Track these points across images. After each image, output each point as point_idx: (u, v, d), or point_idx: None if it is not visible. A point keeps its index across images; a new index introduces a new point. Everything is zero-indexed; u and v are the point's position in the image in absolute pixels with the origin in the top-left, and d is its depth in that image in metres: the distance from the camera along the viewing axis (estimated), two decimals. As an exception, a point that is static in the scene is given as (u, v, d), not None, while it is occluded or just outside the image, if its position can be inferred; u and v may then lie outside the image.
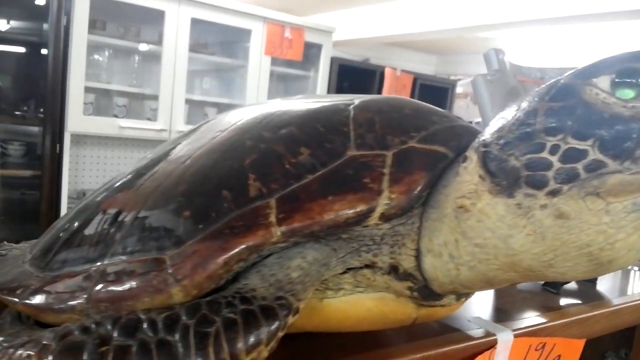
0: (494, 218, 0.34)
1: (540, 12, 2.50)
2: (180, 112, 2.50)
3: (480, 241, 0.35)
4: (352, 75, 3.63)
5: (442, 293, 0.41)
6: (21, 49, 2.41)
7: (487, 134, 0.36)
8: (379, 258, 0.39)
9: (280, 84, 3.14)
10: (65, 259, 0.41)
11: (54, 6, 2.07)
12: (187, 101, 2.56)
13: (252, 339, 0.31)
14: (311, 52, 2.97)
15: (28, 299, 0.39)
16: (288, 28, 2.76)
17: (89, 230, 0.42)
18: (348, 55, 3.77)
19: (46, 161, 2.18)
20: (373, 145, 0.38)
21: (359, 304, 0.40)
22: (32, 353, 0.31)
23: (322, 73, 3.00)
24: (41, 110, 2.20)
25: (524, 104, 0.34)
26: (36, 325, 0.40)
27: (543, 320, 0.57)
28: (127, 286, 0.35)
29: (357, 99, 0.44)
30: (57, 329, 0.32)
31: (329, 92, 3.14)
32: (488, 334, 0.51)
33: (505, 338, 0.51)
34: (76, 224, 0.44)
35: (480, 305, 0.60)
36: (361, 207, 0.35)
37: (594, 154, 0.30)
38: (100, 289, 0.36)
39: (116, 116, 2.43)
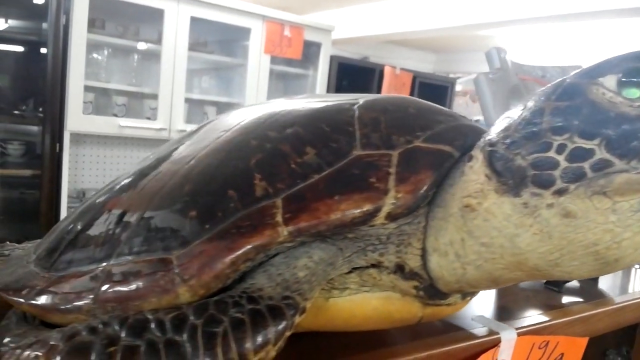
0: (501, 217, 0.34)
1: (539, 10, 2.51)
2: (179, 111, 2.49)
3: (487, 240, 0.35)
4: (352, 74, 3.63)
5: (448, 292, 0.41)
6: (20, 48, 2.40)
7: (493, 133, 0.36)
8: (385, 257, 0.39)
9: (280, 82, 3.14)
10: (71, 259, 0.41)
11: (53, 5, 2.07)
12: (187, 100, 2.56)
13: (260, 339, 0.31)
14: (310, 50, 2.97)
15: (34, 300, 0.39)
16: (287, 26, 2.76)
17: (94, 231, 0.42)
18: (346, 53, 3.77)
19: (46, 160, 2.18)
20: (379, 145, 0.38)
21: (365, 303, 0.40)
22: (39, 354, 0.31)
23: (322, 71, 3.00)
24: (40, 109, 2.20)
25: (530, 103, 0.34)
26: (42, 325, 0.39)
27: (546, 318, 0.58)
28: (134, 286, 0.35)
29: (361, 98, 0.44)
30: (65, 330, 0.32)
31: (328, 90, 3.14)
32: (491, 332, 0.51)
33: (508, 336, 0.51)
34: (81, 224, 0.44)
35: (482, 304, 0.60)
36: (367, 207, 0.35)
37: (601, 153, 0.30)
38: (107, 289, 0.36)
39: (116, 115, 2.43)
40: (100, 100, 2.44)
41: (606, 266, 0.32)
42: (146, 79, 2.56)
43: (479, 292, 0.46)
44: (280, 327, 0.32)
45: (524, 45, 3.82)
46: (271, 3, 2.85)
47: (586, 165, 0.31)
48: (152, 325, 0.31)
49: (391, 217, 0.36)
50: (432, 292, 0.40)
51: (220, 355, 0.30)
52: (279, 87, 3.11)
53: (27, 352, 0.31)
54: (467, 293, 0.44)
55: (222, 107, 2.78)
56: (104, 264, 0.38)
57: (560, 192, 0.31)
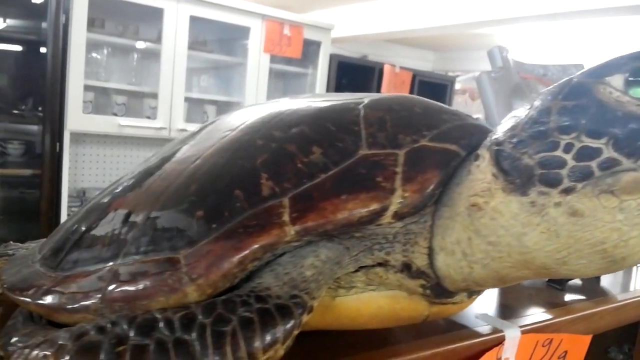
0: (508, 216, 0.34)
1: (539, 8, 2.50)
2: (179, 110, 2.49)
3: (494, 239, 0.36)
4: (351, 72, 3.63)
5: (454, 291, 0.41)
6: (20, 48, 2.40)
7: (499, 133, 0.36)
8: (392, 256, 0.39)
9: (279, 81, 3.13)
10: (77, 259, 0.41)
11: (52, 4, 2.06)
12: (187, 99, 2.56)
13: (268, 338, 0.31)
14: (310, 49, 2.96)
15: (41, 299, 0.39)
16: (287, 25, 2.76)
17: (100, 231, 0.42)
18: (345, 52, 3.77)
19: (46, 160, 2.17)
20: (385, 144, 0.38)
21: (371, 302, 0.41)
22: (48, 353, 0.31)
23: (321, 70, 3.00)
24: (40, 109, 2.19)
25: (537, 103, 0.35)
26: (49, 325, 0.40)
27: (549, 316, 0.58)
28: (141, 286, 0.35)
29: (366, 97, 0.44)
30: (73, 329, 0.32)
31: (328, 89, 3.14)
32: (495, 330, 0.51)
33: (512, 334, 0.51)
34: (86, 224, 0.44)
35: (485, 302, 0.60)
36: (374, 206, 0.35)
37: (608, 152, 0.30)
38: (114, 288, 0.36)
39: (115, 114, 2.42)
40: (100, 100, 2.43)
41: (613, 264, 0.33)
42: (146, 78, 2.55)
43: (484, 290, 0.46)
44: (289, 326, 0.32)
45: (524, 44, 3.82)
46: (271, 2, 2.85)
47: (593, 164, 0.31)
48: (161, 325, 0.32)
49: (398, 216, 0.36)
50: (438, 290, 0.40)
51: (229, 354, 0.30)
52: (278, 86, 3.11)
53: (35, 352, 0.31)
54: (473, 291, 0.44)
55: (222, 106, 2.77)
56: (111, 263, 0.38)
57: (567, 191, 0.31)
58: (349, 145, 0.38)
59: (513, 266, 0.36)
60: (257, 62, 2.70)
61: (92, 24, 2.23)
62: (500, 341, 0.50)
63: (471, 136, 0.40)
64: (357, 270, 0.40)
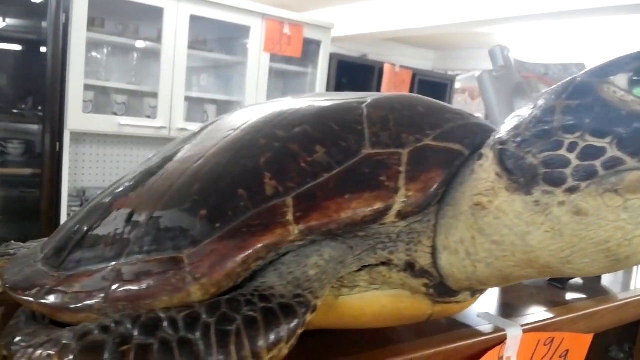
0: (512, 215, 0.34)
1: (538, 7, 2.50)
2: (179, 109, 2.49)
3: (498, 238, 0.36)
4: (351, 71, 3.63)
5: (458, 290, 0.41)
6: (20, 47, 2.39)
7: (503, 132, 0.36)
8: (395, 255, 0.39)
9: (279, 80, 3.13)
10: (80, 258, 0.41)
11: (52, 4, 2.06)
12: (187, 98, 2.56)
13: (272, 337, 0.31)
14: (310, 48, 2.96)
15: (44, 299, 0.39)
16: (287, 24, 2.76)
17: (102, 230, 0.42)
18: (345, 51, 3.76)
19: (46, 159, 2.17)
20: (388, 144, 0.38)
21: (374, 301, 0.41)
22: (52, 352, 0.31)
23: (321, 69, 3.00)
24: (40, 108, 2.19)
25: (541, 102, 0.35)
26: (52, 324, 0.40)
27: (550, 315, 0.58)
28: (145, 285, 0.35)
29: (368, 97, 0.44)
30: (76, 328, 0.32)
31: (328, 88, 3.14)
32: (497, 329, 0.51)
33: (514, 333, 0.52)
34: (89, 223, 0.44)
35: (487, 301, 0.60)
36: (378, 205, 0.35)
37: (612, 152, 0.30)
38: (117, 288, 0.36)
39: (115, 114, 2.42)
40: (100, 99, 2.43)
41: (617, 263, 0.33)
42: (146, 78, 2.55)
43: (487, 289, 0.46)
44: (293, 325, 0.32)
45: (524, 43, 3.82)
46: (270, 1, 2.84)
47: (598, 163, 0.31)
48: (165, 324, 0.32)
49: (402, 215, 0.36)
50: (442, 289, 0.40)
51: (233, 353, 0.30)
52: (278, 85, 3.11)
53: (39, 351, 0.31)
54: (476, 290, 0.44)
55: (222, 106, 2.77)
56: (114, 263, 0.38)
57: (571, 190, 0.32)
58: (352, 144, 0.38)
59: (517, 265, 0.36)
60: (257, 61, 2.70)
61: (92, 24, 2.23)
62: (502, 340, 0.50)
63: (474, 135, 0.40)
64: (360, 270, 0.40)
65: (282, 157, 0.39)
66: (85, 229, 0.44)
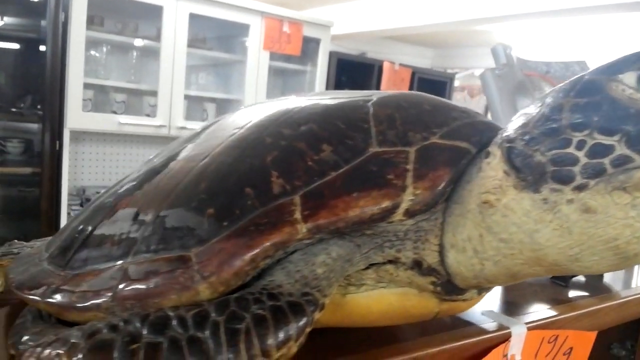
0: (520, 213, 0.34)
1: (538, 4, 2.50)
2: (179, 107, 2.49)
3: (506, 236, 0.36)
4: (351, 69, 3.62)
5: (465, 287, 0.41)
6: (19, 46, 2.39)
7: (510, 130, 0.36)
8: (402, 253, 0.39)
9: (279, 78, 3.13)
10: (87, 257, 0.41)
11: (51, 2, 2.05)
12: (186, 97, 2.55)
13: (282, 335, 0.31)
14: (309, 46, 2.96)
15: (50, 297, 0.39)
16: (286, 22, 2.75)
17: (108, 229, 0.42)
18: (344, 49, 3.76)
19: (46, 158, 2.17)
20: (395, 142, 0.38)
21: (381, 299, 0.41)
22: (61, 352, 0.31)
23: (321, 67, 2.99)
24: (39, 107, 2.19)
25: (549, 100, 0.35)
26: (58, 323, 0.40)
27: (554, 313, 0.58)
28: (153, 284, 0.35)
29: (373, 95, 0.44)
30: (85, 327, 0.32)
31: (327, 86, 3.13)
32: (501, 327, 0.51)
33: (518, 331, 0.52)
34: (94, 223, 0.44)
35: (490, 299, 0.60)
36: (386, 204, 0.35)
37: (621, 149, 0.31)
38: (125, 286, 0.36)
39: (115, 112, 2.42)
40: (100, 98, 2.43)
41: (626, 261, 0.33)
42: (145, 76, 2.55)
43: (494, 287, 0.46)
44: (301, 323, 0.32)
45: (523, 41, 3.82)
46: (269, -1, 2.84)
47: (606, 161, 0.31)
48: (174, 323, 0.32)
49: (409, 213, 0.36)
50: (449, 287, 0.41)
51: (243, 351, 0.30)
52: (277, 84, 3.10)
53: (47, 351, 0.31)
54: (483, 288, 0.44)
55: (221, 104, 2.77)
56: (121, 262, 0.38)
57: (580, 188, 0.32)
58: (359, 142, 0.38)
59: (525, 263, 0.37)
60: (256, 60, 2.69)
61: (91, 22, 2.22)
62: (506, 338, 0.50)
63: (481, 133, 0.40)
64: (367, 268, 0.40)
65: (289, 155, 0.39)
66: (91, 228, 0.44)
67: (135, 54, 2.51)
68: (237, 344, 0.30)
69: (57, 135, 2.17)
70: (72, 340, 0.31)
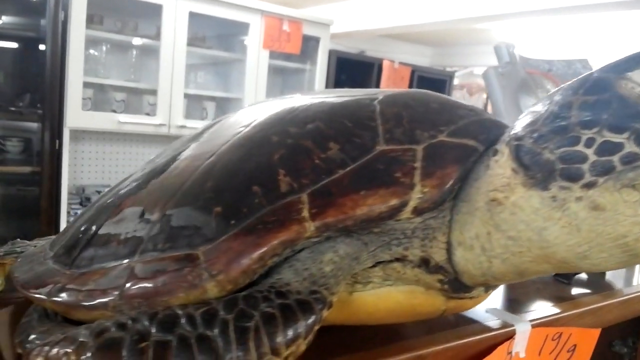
0: (528, 211, 0.34)
1: (537, 3, 2.50)
2: (179, 106, 2.48)
3: (514, 234, 0.36)
4: (350, 68, 3.62)
5: (472, 285, 0.41)
6: (18, 45, 2.38)
7: (518, 128, 0.36)
8: (410, 251, 0.39)
9: (278, 77, 3.12)
10: (93, 256, 0.41)
11: (51, 1, 2.05)
12: (186, 95, 2.55)
13: (291, 333, 0.31)
14: (309, 45, 2.96)
15: (57, 296, 0.39)
16: (286, 21, 2.75)
17: (114, 228, 0.42)
18: (344, 47, 3.76)
19: (45, 157, 2.17)
20: (402, 140, 0.38)
21: (388, 297, 0.41)
22: (69, 350, 0.31)
23: (320, 66, 2.99)
24: (39, 106, 2.18)
25: (557, 98, 0.35)
26: (65, 322, 0.39)
27: (557, 310, 0.58)
28: (160, 282, 0.35)
29: (379, 93, 0.44)
30: (92, 326, 0.32)
31: (327, 85, 3.13)
32: (506, 325, 0.51)
33: (523, 329, 0.52)
34: (99, 222, 0.44)
35: (493, 297, 0.60)
36: (394, 202, 0.35)
37: (630, 147, 0.31)
38: (133, 285, 0.36)
39: (115, 111, 2.41)
40: (99, 96, 2.42)
41: (634, 258, 0.33)
42: (145, 75, 2.55)
43: (501, 284, 0.46)
44: (310, 321, 0.32)
45: (523, 39, 3.82)
46: (269, -3, 2.84)
47: (615, 158, 0.31)
48: (183, 321, 0.32)
49: (417, 211, 0.36)
50: (456, 285, 0.41)
51: (252, 349, 0.30)
52: (277, 82, 3.10)
53: (55, 349, 0.31)
54: (490, 286, 0.44)
55: (221, 103, 2.77)
56: (128, 260, 0.38)
57: (589, 186, 0.32)
58: (367, 141, 0.38)
59: (533, 261, 0.37)
60: (256, 58, 2.69)
61: (90, 21, 2.22)
62: (510, 335, 0.50)
63: (489, 131, 0.40)
64: (374, 266, 0.40)
65: (296, 153, 0.39)
66: (96, 227, 0.44)
67: (134, 52, 2.50)
68: (247, 342, 0.30)
69: (57, 134, 2.17)
70: (80, 339, 0.31)
